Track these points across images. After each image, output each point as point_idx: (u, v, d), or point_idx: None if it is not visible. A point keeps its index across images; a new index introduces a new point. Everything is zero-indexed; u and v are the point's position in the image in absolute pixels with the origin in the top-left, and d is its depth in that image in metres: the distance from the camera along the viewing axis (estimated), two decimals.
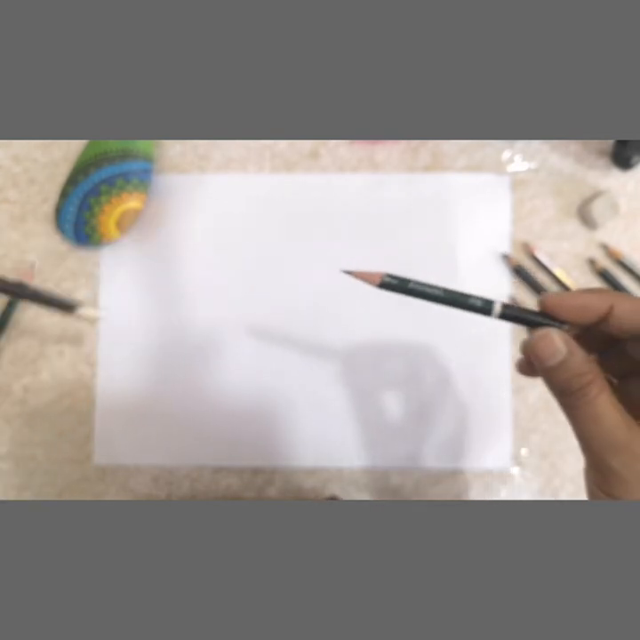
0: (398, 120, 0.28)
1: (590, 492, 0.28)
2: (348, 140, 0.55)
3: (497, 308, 0.29)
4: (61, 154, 0.55)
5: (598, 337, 0.30)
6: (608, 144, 0.54)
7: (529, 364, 0.33)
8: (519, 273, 0.53)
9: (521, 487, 0.53)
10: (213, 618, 0.22)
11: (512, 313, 0.29)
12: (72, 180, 0.54)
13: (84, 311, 0.44)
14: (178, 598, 0.22)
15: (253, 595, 0.22)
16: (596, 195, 0.54)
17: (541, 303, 0.29)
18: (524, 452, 0.53)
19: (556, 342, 0.28)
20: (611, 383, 0.31)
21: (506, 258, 0.54)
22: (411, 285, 0.29)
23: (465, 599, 0.22)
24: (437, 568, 0.22)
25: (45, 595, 0.21)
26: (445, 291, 0.29)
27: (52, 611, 0.21)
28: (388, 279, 0.29)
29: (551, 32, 0.26)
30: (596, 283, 0.54)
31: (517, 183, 0.55)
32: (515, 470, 0.53)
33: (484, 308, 0.29)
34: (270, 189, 0.55)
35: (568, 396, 0.28)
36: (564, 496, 0.53)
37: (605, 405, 0.27)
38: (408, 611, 0.22)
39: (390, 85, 0.27)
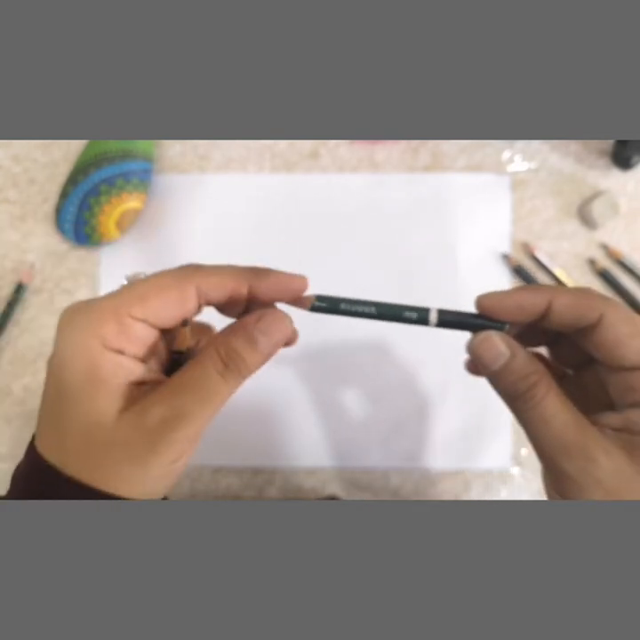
0: (398, 120, 0.28)
1: (549, 495, 0.27)
2: (348, 140, 0.55)
3: (433, 317, 0.28)
4: (61, 154, 0.55)
5: (547, 330, 0.29)
6: (608, 144, 0.54)
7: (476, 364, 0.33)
8: (519, 273, 0.53)
9: (521, 487, 0.53)
10: (213, 618, 0.22)
11: (450, 319, 0.28)
12: (72, 180, 0.54)
13: None
14: (178, 598, 0.22)
15: (253, 595, 0.22)
16: (596, 195, 0.54)
17: (478, 304, 0.28)
18: (523, 452, 0.53)
19: (498, 345, 0.27)
20: (565, 375, 0.31)
21: (506, 258, 0.54)
22: (342, 306, 0.28)
23: (465, 599, 0.22)
24: (437, 568, 0.22)
25: (44, 595, 0.21)
26: (378, 306, 0.28)
27: (50, 611, 0.21)
28: (317, 303, 0.28)
29: (551, 32, 0.26)
30: (596, 283, 0.54)
31: (517, 183, 0.55)
32: (515, 470, 0.53)
33: (420, 318, 0.28)
34: (270, 189, 0.55)
35: (515, 400, 0.27)
36: None
37: (554, 406, 0.26)
38: (408, 611, 0.22)
39: (390, 85, 0.27)
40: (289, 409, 0.54)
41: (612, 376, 0.27)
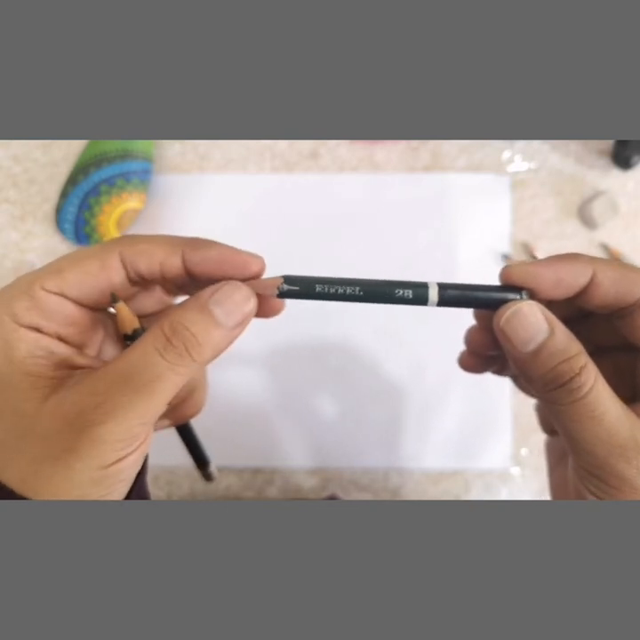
0: (398, 120, 0.28)
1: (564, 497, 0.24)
2: (348, 140, 0.55)
3: (433, 294, 0.23)
4: (61, 154, 0.55)
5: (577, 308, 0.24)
6: (608, 144, 0.54)
7: (474, 357, 0.29)
8: None
9: (521, 487, 0.53)
10: (213, 618, 0.22)
11: (454, 294, 0.23)
12: (72, 180, 0.54)
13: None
14: (177, 599, 0.22)
15: (253, 595, 0.22)
16: (596, 195, 0.54)
17: (505, 276, 0.24)
18: (523, 451, 0.53)
19: (537, 319, 0.22)
20: None
21: (506, 258, 0.54)
22: (318, 289, 0.23)
23: (465, 599, 0.22)
24: (438, 568, 0.22)
25: (42, 596, 0.21)
26: (364, 286, 0.23)
27: (48, 611, 0.21)
28: (286, 287, 0.23)
29: (551, 32, 0.26)
30: None
31: (517, 183, 0.55)
32: (515, 470, 0.53)
33: (417, 296, 0.23)
34: (270, 189, 0.55)
35: (555, 390, 0.22)
36: None
37: (606, 398, 0.21)
38: (408, 611, 0.22)
39: (390, 85, 0.27)
40: (289, 409, 0.54)
41: None
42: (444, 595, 0.22)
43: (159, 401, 0.21)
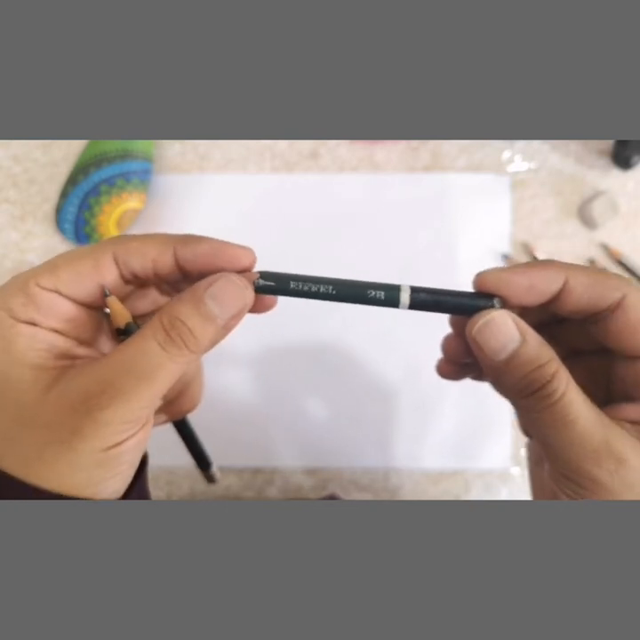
0: (398, 120, 0.28)
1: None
2: (348, 140, 0.55)
3: (405, 297, 0.23)
4: (61, 154, 0.55)
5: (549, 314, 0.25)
6: (608, 144, 0.54)
7: (451, 364, 0.29)
8: None
9: (521, 487, 0.53)
10: (213, 618, 0.22)
11: (425, 298, 0.23)
12: (72, 180, 0.54)
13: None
14: (177, 599, 0.22)
15: (254, 595, 0.22)
16: (596, 195, 0.54)
17: (479, 282, 0.24)
18: (523, 452, 0.53)
19: (508, 328, 0.22)
20: None
21: (506, 258, 0.54)
22: (293, 285, 0.24)
23: (465, 599, 0.22)
24: (438, 568, 0.22)
25: (41, 596, 0.21)
26: (337, 285, 0.23)
27: (47, 611, 0.21)
28: (262, 282, 0.24)
29: (551, 32, 0.26)
30: None
31: (517, 183, 0.55)
32: (515, 470, 0.53)
33: (388, 298, 0.23)
34: (270, 189, 0.55)
35: (528, 397, 0.22)
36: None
37: (578, 403, 0.22)
38: (408, 611, 0.22)
39: (390, 85, 0.27)
40: (289, 409, 0.54)
41: (628, 365, 0.24)
42: (445, 595, 0.22)
43: (159, 387, 0.22)
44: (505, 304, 0.23)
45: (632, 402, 0.24)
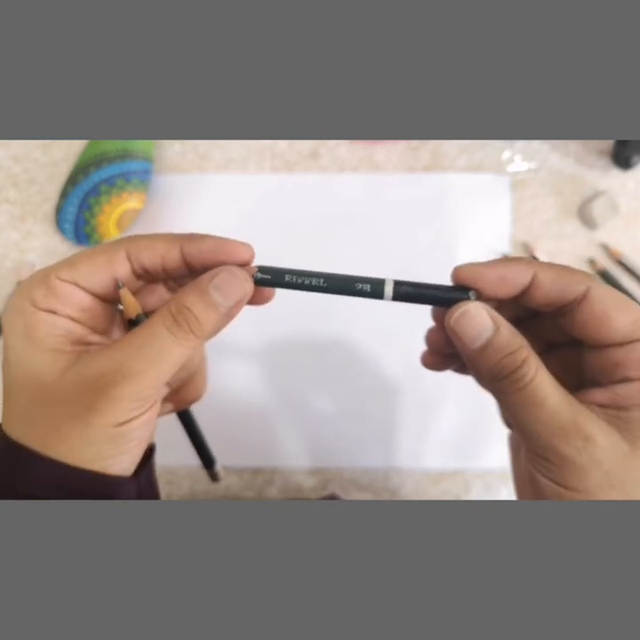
0: (398, 120, 0.28)
1: (538, 490, 0.25)
2: (348, 140, 0.55)
3: (388, 290, 0.26)
4: (61, 154, 0.55)
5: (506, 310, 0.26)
6: (608, 144, 0.54)
7: (434, 355, 0.31)
8: None
9: None
10: (213, 618, 0.22)
11: (407, 291, 0.26)
12: (72, 180, 0.54)
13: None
14: (177, 599, 0.22)
15: (254, 595, 0.22)
16: (596, 195, 0.54)
17: (455, 276, 0.26)
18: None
19: (482, 318, 0.24)
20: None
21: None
22: (287, 278, 0.26)
23: (465, 599, 0.22)
24: (438, 568, 0.22)
25: (40, 597, 0.21)
26: (328, 278, 0.26)
27: (47, 611, 0.21)
28: (260, 275, 0.26)
29: (551, 32, 0.26)
30: None
31: (517, 183, 0.55)
32: None
33: (374, 291, 0.26)
34: (270, 189, 0.55)
35: (501, 381, 0.24)
36: None
37: (546, 385, 0.24)
38: (408, 611, 0.22)
39: (390, 85, 0.27)
40: (289, 409, 0.54)
41: (595, 354, 0.25)
42: (445, 594, 0.22)
43: (167, 369, 0.25)
44: (480, 296, 0.26)
45: (600, 387, 0.25)
